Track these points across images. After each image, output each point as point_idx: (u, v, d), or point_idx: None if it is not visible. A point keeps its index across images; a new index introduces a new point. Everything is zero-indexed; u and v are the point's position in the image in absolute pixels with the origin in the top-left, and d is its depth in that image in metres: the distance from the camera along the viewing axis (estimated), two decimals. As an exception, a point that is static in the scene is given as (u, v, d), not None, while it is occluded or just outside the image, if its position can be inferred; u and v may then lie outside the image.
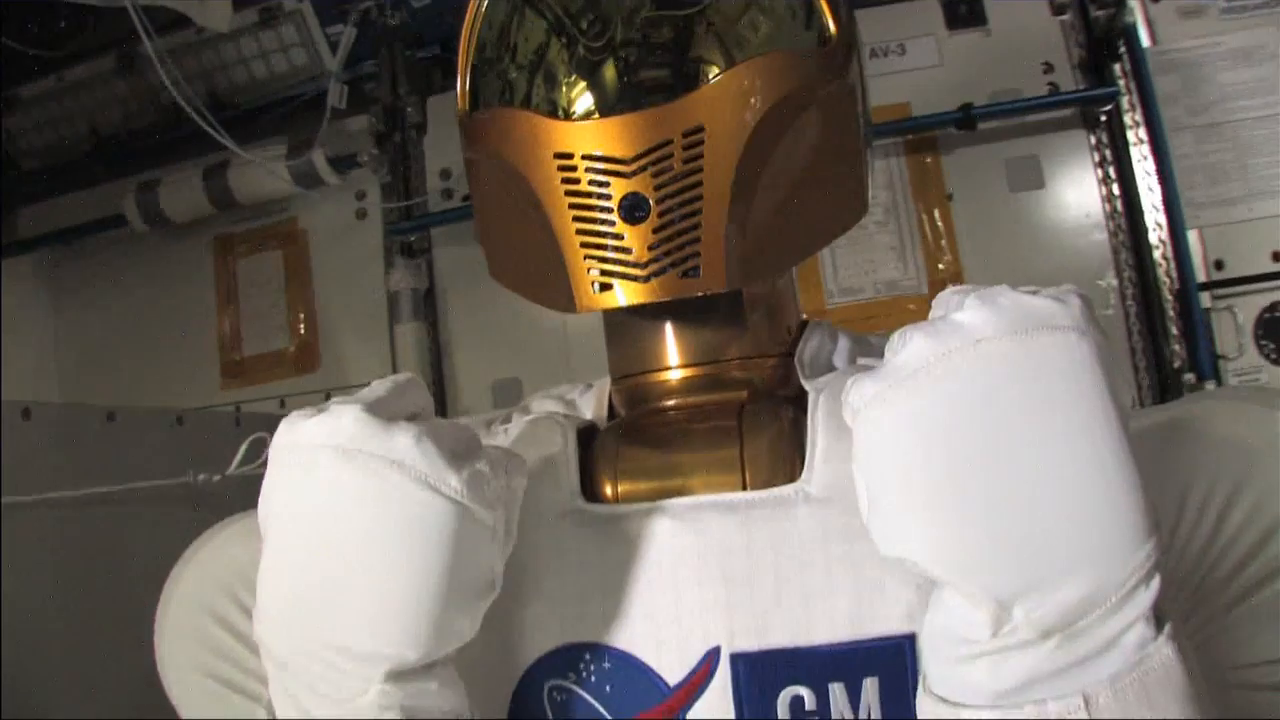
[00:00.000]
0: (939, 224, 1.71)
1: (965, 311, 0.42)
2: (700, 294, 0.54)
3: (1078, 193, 1.71)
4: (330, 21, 1.84)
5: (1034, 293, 0.43)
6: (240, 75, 1.90)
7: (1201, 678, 0.42)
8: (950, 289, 0.47)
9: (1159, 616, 0.42)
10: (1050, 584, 0.40)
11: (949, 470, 0.41)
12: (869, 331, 0.71)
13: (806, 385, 0.58)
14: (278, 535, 0.47)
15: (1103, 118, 1.69)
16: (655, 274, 0.53)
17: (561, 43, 0.58)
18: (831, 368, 0.63)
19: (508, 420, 0.65)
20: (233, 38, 1.81)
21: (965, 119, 1.64)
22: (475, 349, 1.82)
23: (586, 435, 0.60)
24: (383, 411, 0.46)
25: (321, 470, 0.44)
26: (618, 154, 0.53)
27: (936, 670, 0.45)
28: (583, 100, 0.57)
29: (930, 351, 0.42)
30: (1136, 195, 1.66)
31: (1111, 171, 1.70)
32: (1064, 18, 1.72)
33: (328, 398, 1.83)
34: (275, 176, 1.68)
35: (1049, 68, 1.71)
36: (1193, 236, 1.65)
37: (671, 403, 0.62)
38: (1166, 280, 1.66)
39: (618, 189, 0.53)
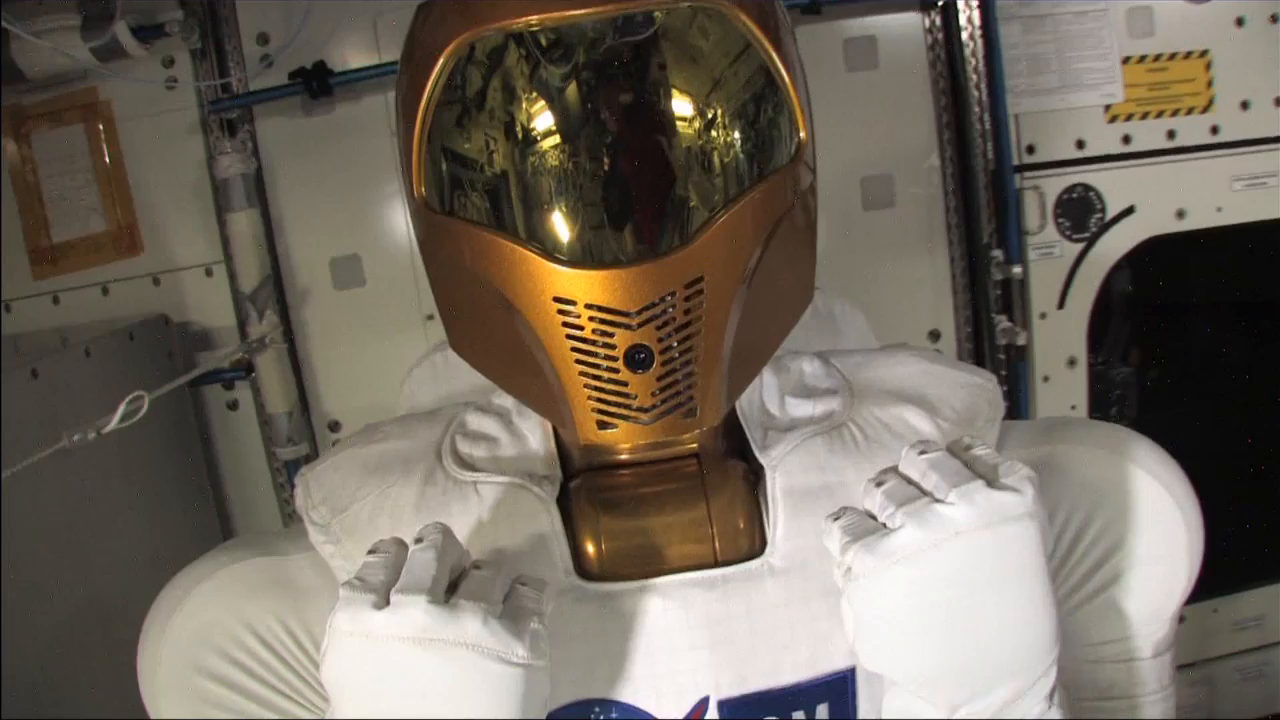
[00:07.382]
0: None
1: (949, 507, 0.53)
2: (697, 430, 0.60)
3: (909, 75, 1.76)
4: None
5: (994, 483, 0.54)
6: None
7: None
8: (916, 451, 0.57)
9: (1051, 690, 0.58)
10: (988, 691, 0.55)
11: (928, 622, 0.54)
12: None
13: (760, 458, 0.66)
14: (355, 710, 0.53)
15: (939, 2, 1.71)
16: (658, 417, 0.59)
17: (524, 78, 0.58)
18: (765, 410, 0.71)
19: (451, 427, 0.71)
20: None
21: (812, 4, 1.63)
22: (309, 227, 1.75)
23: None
24: (441, 592, 0.52)
25: (399, 659, 0.51)
26: (623, 306, 0.57)
27: None
28: (574, 234, 0.59)
29: (921, 540, 0.53)
30: (965, 80, 1.73)
31: (942, 55, 1.75)
32: (909, -105, 1.70)
33: (156, 283, 1.77)
34: (71, 58, 1.48)
35: (891, -55, 1.70)
36: (1010, 121, 1.75)
37: (625, 457, 0.68)
38: (984, 161, 1.77)
39: (622, 340, 0.57)
